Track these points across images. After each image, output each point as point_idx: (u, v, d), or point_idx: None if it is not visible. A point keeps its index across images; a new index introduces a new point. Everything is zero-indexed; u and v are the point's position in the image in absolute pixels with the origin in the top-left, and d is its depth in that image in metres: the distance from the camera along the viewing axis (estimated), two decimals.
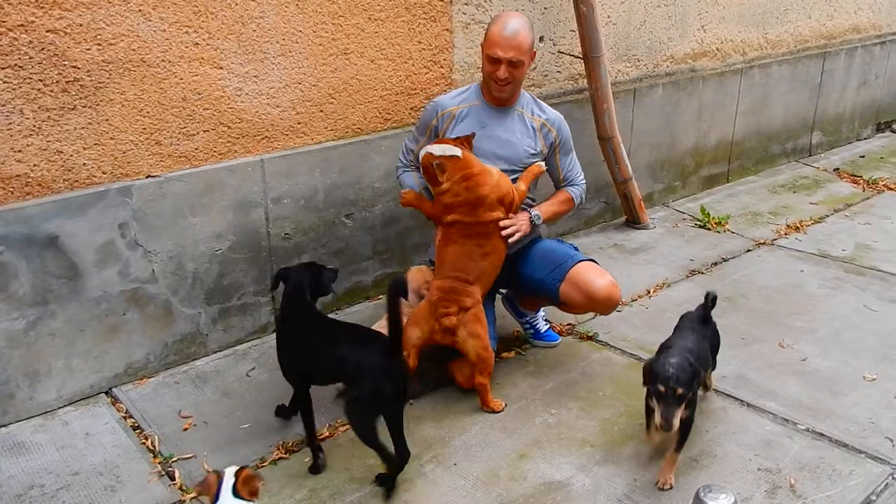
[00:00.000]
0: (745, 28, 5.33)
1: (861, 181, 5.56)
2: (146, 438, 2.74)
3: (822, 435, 2.72)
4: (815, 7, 5.81)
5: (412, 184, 3.14)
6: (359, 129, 3.55)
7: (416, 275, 3.14)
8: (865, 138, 6.73)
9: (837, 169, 5.87)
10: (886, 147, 6.48)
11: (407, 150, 3.22)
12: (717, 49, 5.20)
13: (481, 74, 3.08)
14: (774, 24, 5.54)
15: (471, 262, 2.87)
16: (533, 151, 3.08)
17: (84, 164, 2.83)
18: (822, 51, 5.96)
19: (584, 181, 3.26)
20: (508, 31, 2.90)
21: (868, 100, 6.61)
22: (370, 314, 3.61)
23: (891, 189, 5.39)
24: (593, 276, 3.03)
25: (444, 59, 3.75)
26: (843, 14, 6.08)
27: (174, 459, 2.64)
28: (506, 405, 2.90)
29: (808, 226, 4.72)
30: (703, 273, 4.05)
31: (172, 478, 2.54)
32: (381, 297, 3.77)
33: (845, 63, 6.19)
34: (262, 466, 2.59)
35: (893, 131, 6.91)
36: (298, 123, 3.35)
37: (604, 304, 3.05)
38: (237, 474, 1.98)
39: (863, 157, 6.19)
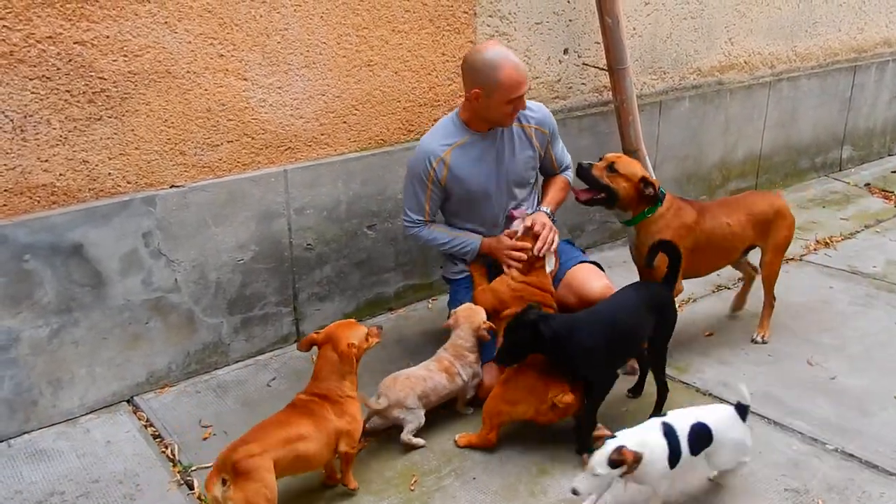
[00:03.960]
0: (774, 41, 5.27)
1: (893, 197, 5.44)
2: (166, 447, 2.76)
3: (851, 456, 2.64)
4: (845, 20, 5.73)
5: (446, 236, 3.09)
6: (382, 140, 3.56)
7: (469, 312, 2.93)
8: None
9: (868, 184, 5.76)
10: None
11: (418, 206, 3.05)
12: (745, 62, 5.14)
13: (468, 115, 2.98)
14: (803, 36, 5.47)
15: None
16: (533, 162, 3.13)
17: (109, 173, 2.86)
18: (852, 64, 5.87)
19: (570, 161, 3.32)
20: (521, 67, 2.85)
21: None
22: (392, 325, 3.60)
23: None
24: (591, 278, 3.00)
25: None
26: (873, 27, 5.99)
27: (193, 469, 2.64)
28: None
29: (838, 241, 4.62)
30: (729, 288, 3.98)
31: (192, 487, 2.55)
32: (402, 308, 3.76)
33: (876, 77, 6.09)
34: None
35: None
36: (322, 134, 3.36)
37: None
38: None
39: (894, 172, 6.07)
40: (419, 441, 2.71)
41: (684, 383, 3.11)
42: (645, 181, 2.98)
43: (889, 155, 6.54)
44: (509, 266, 2.97)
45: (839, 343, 3.41)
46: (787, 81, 5.40)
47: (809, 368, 3.22)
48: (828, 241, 4.62)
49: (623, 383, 2.91)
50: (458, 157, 2.99)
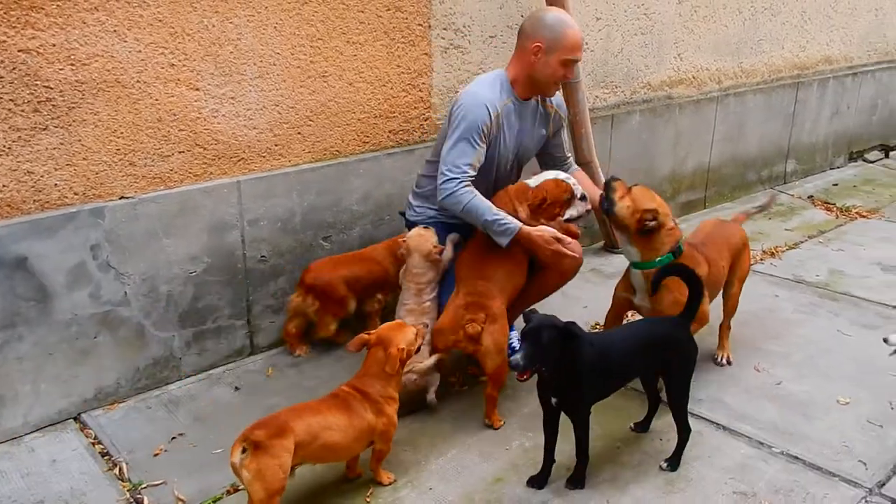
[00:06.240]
0: (721, 57, 5.43)
1: (834, 208, 5.64)
2: (115, 465, 2.69)
3: (796, 458, 2.72)
4: (788, 38, 5.94)
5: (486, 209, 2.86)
6: (337, 151, 3.55)
7: (419, 239, 3.03)
8: (838, 167, 6.84)
9: (811, 196, 5.96)
10: (859, 175, 6.59)
11: (471, 159, 2.86)
12: (694, 77, 5.28)
13: (515, 74, 3.02)
14: (749, 53, 5.64)
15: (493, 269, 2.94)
16: (542, 142, 3.26)
17: (55, 184, 2.80)
18: (795, 81, 6.08)
19: None
20: (580, 33, 2.98)
21: (840, 129, 6.74)
22: (348, 338, 3.58)
23: (863, 216, 5.47)
24: None
25: (423, 83, 3.77)
26: (815, 45, 6.22)
27: (143, 486, 2.58)
28: (503, 422, 2.92)
29: (783, 252, 4.76)
30: None
31: None
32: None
33: (818, 93, 6.32)
34: (233, 493, 2.54)
35: (865, 160, 7.04)
36: (276, 145, 3.34)
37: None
38: None
39: (836, 185, 6.29)
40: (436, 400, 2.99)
41: (636, 390, 3.15)
42: (651, 213, 2.83)
43: (831, 168, 6.77)
44: (549, 258, 2.90)
45: (784, 350, 3.51)
46: (734, 97, 5.56)
47: (756, 374, 3.30)
48: (773, 251, 4.75)
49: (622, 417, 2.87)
50: (504, 117, 2.99)
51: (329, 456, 2.43)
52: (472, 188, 2.86)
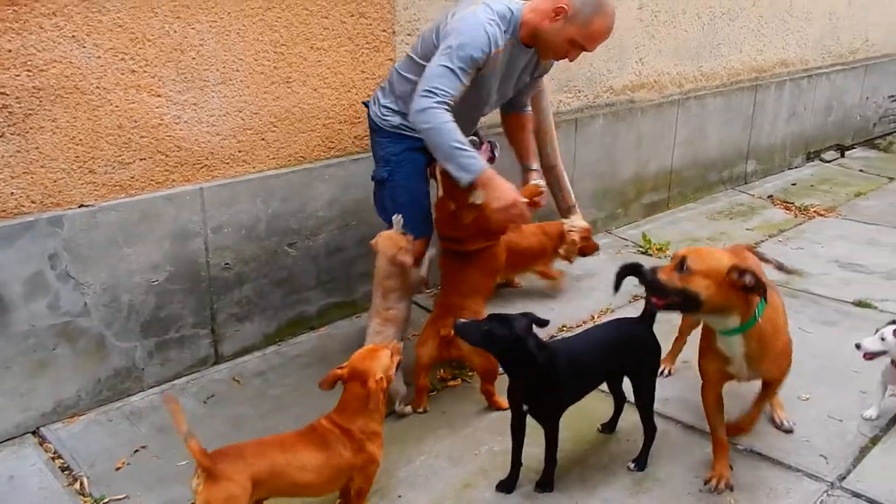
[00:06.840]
0: (681, 61, 5.52)
1: (793, 208, 5.76)
2: (75, 480, 2.63)
3: (760, 454, 2.77)
4: (746, 42, 6.06)
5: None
6: (302, 157, 3.53)
7: (387, 242, 2.99)
8: (796, 167, 6.99)
9: (771, 196, 6.08)
10: (816, 175, 6.75)
11: (454, 86, 2.66)
12: (655, 81, 5.36)
13: (528, 19, 2.81)
14: (708, 57, 5.74)
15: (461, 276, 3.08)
16: (523, 87, 3.21)
17: (11, 193, 2.73)
18: (753, 83, 6.20)
19: None
20: (610, 27, 2.79)
21: (797, 130, 6.89)
22: (314, 345, 3.56)
23: (821, 215, 5.60)
24: None
25: None
26: (771, 49, 6.35)
27: (105, 501, 2.53)
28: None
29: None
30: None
31: None
32: (325, 327, 3.72)
33: (775, 95, 6.45)
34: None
35: (822, 160, 7.21)
36: (239, 152, 3.31)
37: None
38: None
39: (794, 184, 6.43)
40: (409, 409, 3.02)
41: (601, 391, 3.18)
42: (738, 270, 2.22)
43: (789, 168, 6.92)
44: (497, 214, 2.72)
45: None
46: (695, 100, 5.66)
47: None
48: None
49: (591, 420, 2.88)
50: (502, 57, 2.80)
51: (300, 493, 2.30)
52: (449, 113, 2.66)
